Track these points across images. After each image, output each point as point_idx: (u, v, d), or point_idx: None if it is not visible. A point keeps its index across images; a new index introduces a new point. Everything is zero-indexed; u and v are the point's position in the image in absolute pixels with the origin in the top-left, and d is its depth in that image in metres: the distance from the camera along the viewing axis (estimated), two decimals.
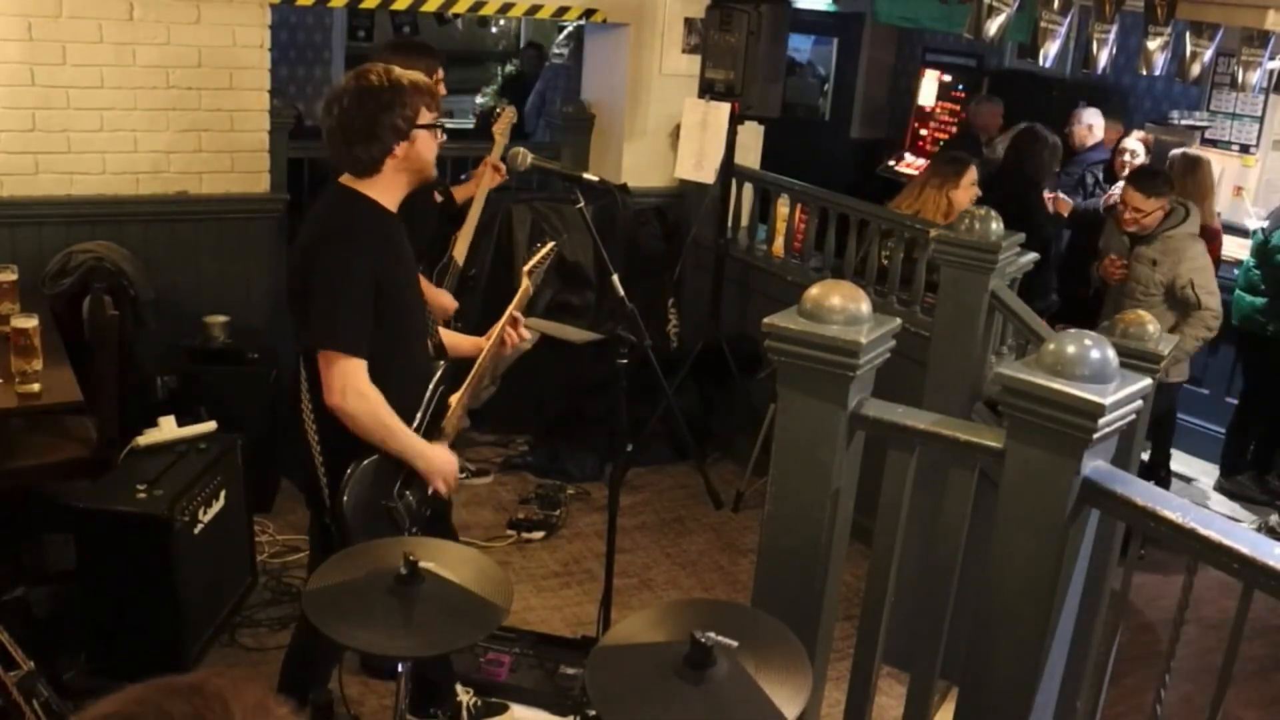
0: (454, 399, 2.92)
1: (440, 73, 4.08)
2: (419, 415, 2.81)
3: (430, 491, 2.86)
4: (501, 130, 4.61)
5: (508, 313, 3.01)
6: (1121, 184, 5.78)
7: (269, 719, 0.95)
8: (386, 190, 2.71)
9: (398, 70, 2.70)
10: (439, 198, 4.39)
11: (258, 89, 4.86)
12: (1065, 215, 6.04)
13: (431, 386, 2.85)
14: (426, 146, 2.71)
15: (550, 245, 3.20)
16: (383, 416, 2.65)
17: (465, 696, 3.42)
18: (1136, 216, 4.75)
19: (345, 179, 2.73)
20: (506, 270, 5.56)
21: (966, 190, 4.79)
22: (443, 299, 4.12)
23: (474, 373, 2.96)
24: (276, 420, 4.82)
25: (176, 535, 3.41)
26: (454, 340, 3.07)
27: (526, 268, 3.11)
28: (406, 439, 2.72)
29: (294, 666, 3.14)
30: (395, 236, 2.76)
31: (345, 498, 2.66)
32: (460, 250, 4.45)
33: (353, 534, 2.65)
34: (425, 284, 4.22)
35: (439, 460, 2.80)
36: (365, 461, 2.69)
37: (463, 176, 4.91)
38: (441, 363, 2.92)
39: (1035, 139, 5.90)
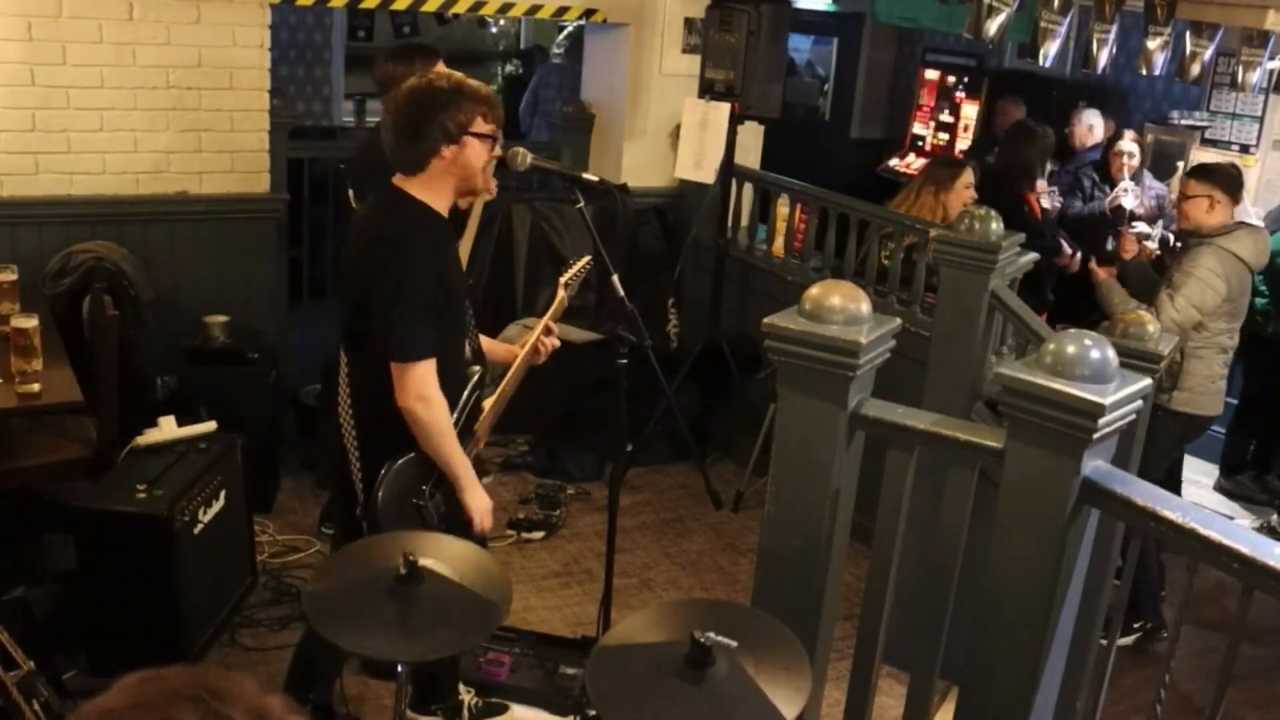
0: (487, 403, 2.98)
1: (441, 66, 4.10)
2: (456, 416, 2.84)
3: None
4: (568, 283, 4.66)
5: (542, 322, 3.09)
6: (1123, 185, 5.79)
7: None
8: (434, 193, 2.74)
9: (461, 77, 2.74)
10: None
11: (258, 89, 4.86)
12: (1054, 213, 6.02)
13: (468, 390, 2.89)
14: (477, 155, 2.73)
15: (587, 259, 3.26)
16: (444, 423, 2.71)
17: (467, 696, 3.42)
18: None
19: (397, 180, 2.76)
20: (507, 270, 5.57)
21: (960, 194, 4.79)
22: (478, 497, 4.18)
23: (507, 379, 3.03)
24: (277, 420, 4.83)
25: (176, 535, 3.41)
26: (488, 347, 3.12)
27: (564, 279, 3.17)
28: (459, 456, 2.78)
29: (301, 665, 3.15)
30: (446, 239, 2.81)
31: (379, 495, 2.70)
32: (460, 256, 4.45)
33: (383, 530, 2.68)
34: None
35: (481, 494, 2.86)
36: (400, 461, 2.73)
37: None
38: (478, 367, 2.95)
39: (1023, 135, 5.90)
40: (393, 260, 2.66)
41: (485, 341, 3.11)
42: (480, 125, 2.71)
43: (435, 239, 2.73)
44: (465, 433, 2.89)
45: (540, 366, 5.52)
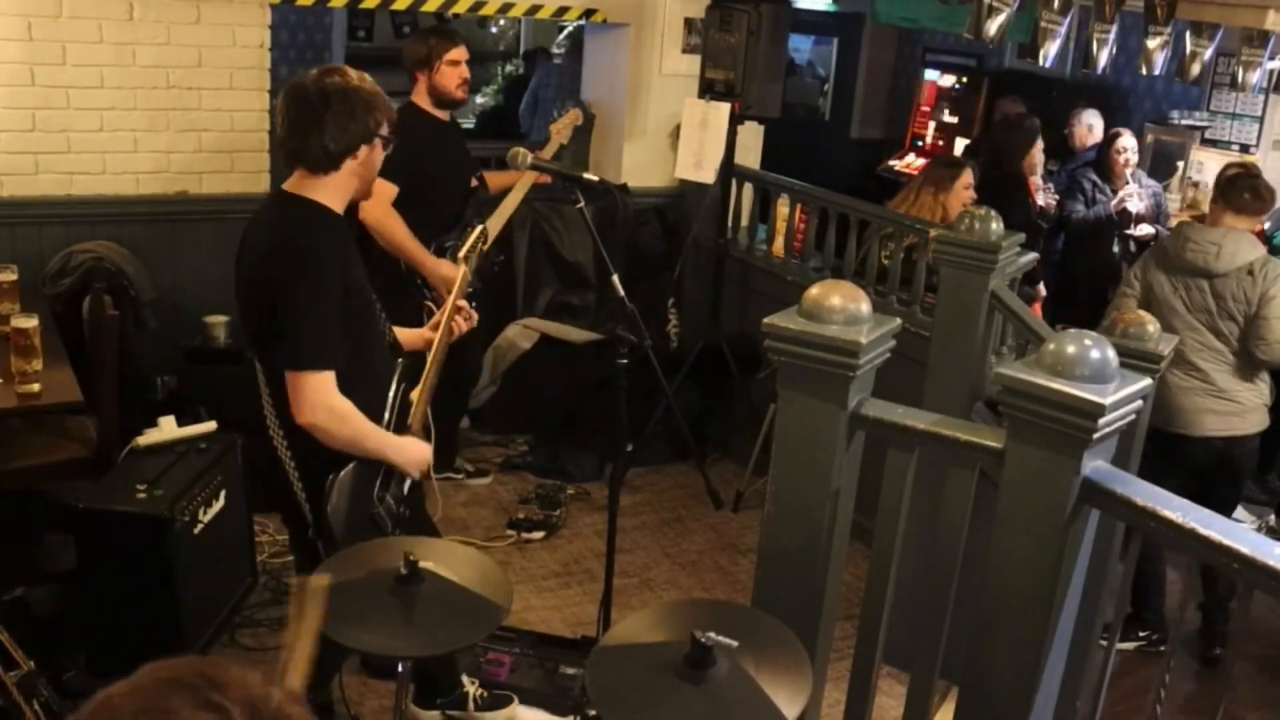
0: (415, 394, 2.90)
1: (455, 53, 4.35)
2: (387, 415, 2.80)
3: (406, 490, 2.86)
4: (560, 129, 4.68)
5: (449, 301, 2.99)
6: (1129, 188, 5.78)
7: (269, 706, 0.94)
8: (335, 194, 2.66)
9: (363, 79, 2.67)
10: (474, 183, 4.49)
11: (258, 89, 4.86)
12: (1050, 210, 6.02)
13: (394, 386, 2.84)
14: (379, 158, 2.70)
15: (479, 229, 3.14)
16: (354, 424, 2.63)
17: (471, 687, 3.42)
18: None
19: (291, 184, 2.67)
20: (506, 270, 5.56)
21: (959, 194, 4.79)
22: (445, 269, 4.18)
23: (429, 366, 2.93)
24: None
25: (176, 535, 3.41)
26: (403, 336, 3.03)
27: (461, 254, 3.07)
28: (378, 438, 2.71)
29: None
30: (347, 240, 2.74)
31: (329, 511, 2.64)
32: (494, 226, 4.53)
33: (340, 546, 2.61)
34: (430, 259, 4.26)
35: (412, 451, 2.79)
36: (342, 472, 2.67)
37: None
38: (400, 360, 2.90)
39: (1008, 128, 5.90)
40: (292, 269, 2.56)
41: (401, 332, 3.03)
42: (385, 128, 2.67)
43: (339, 244, 2.66)
44: (400, 427, 2.83)
45: (540, 367, 5.55)
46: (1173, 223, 6.08)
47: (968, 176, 4.85)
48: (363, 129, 2.61)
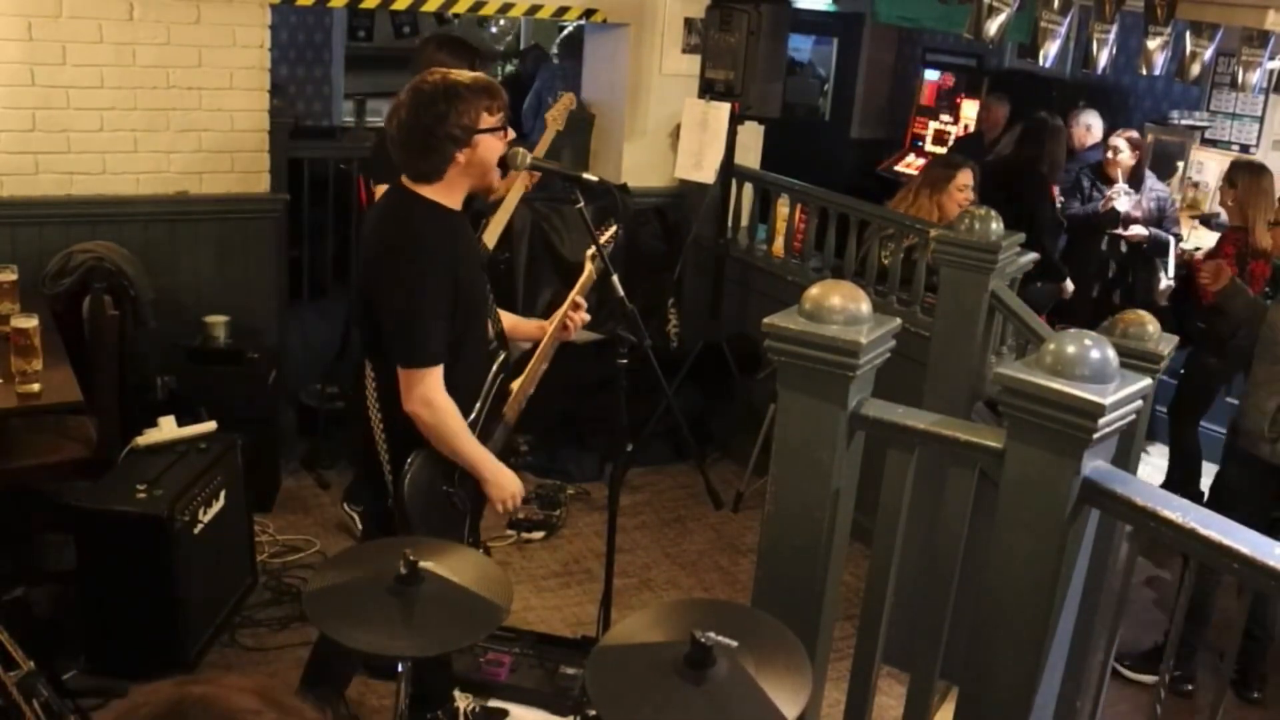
0: (515, 385, 2.96)
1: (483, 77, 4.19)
2: (479, 404, 2.85)
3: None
4: (555, 116, 4.65)
5: (571, 297, 3.05)
6: (1118, 187, 5.77)
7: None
8: (448, 193, 2.71)
9: (455, 75, 2.68)
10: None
11: (258, 89, 4.86)
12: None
13: (492, 374, 2.88)
14: (491, 150, 2.70)
15: (614, 228, 3.16)
16: (453, 425, 2.69)
17: (464, 702, 3.42)
18: None
19: (406, 181, 2.72)
20: (507, 270, 5.56)
21: (955, 196, 4.79)
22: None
23: (535, 358, 2.99)
24: (277, 420, 4.83)
25: (176, 535, 3.41)
26: (515, 324, 3.09)
27: (590, 251, 3.09)
28: (476, 452, 2.77)
29: (318, 664, 3.16)
30: (461, 233, 2.78)
31: (407, 483, 2.70)
32: (491, 236, 4.51)
33: (412, 518, 2.70)
34: None
35: (504, 480, 2.85)
36: (427, 449, 2.73)
37: None
38: (503, 351, 2.94)
39: (1046, 131, 5.88)
40: (404, 267, 2.63)
41: (512, 319, 3.08)
42: (486, 119, 2.66)
43: (449, 238, 2.70)
44: (493, 415, 2.90)
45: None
46: (1183, 229, 6.09)
47: (965, 177, 4.84)
48: (449, 139, 2.62)
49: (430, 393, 2.65)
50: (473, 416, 2.83)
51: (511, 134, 2.79)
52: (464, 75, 2.70)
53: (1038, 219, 5.32)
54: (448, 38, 4.65)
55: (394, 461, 2.77)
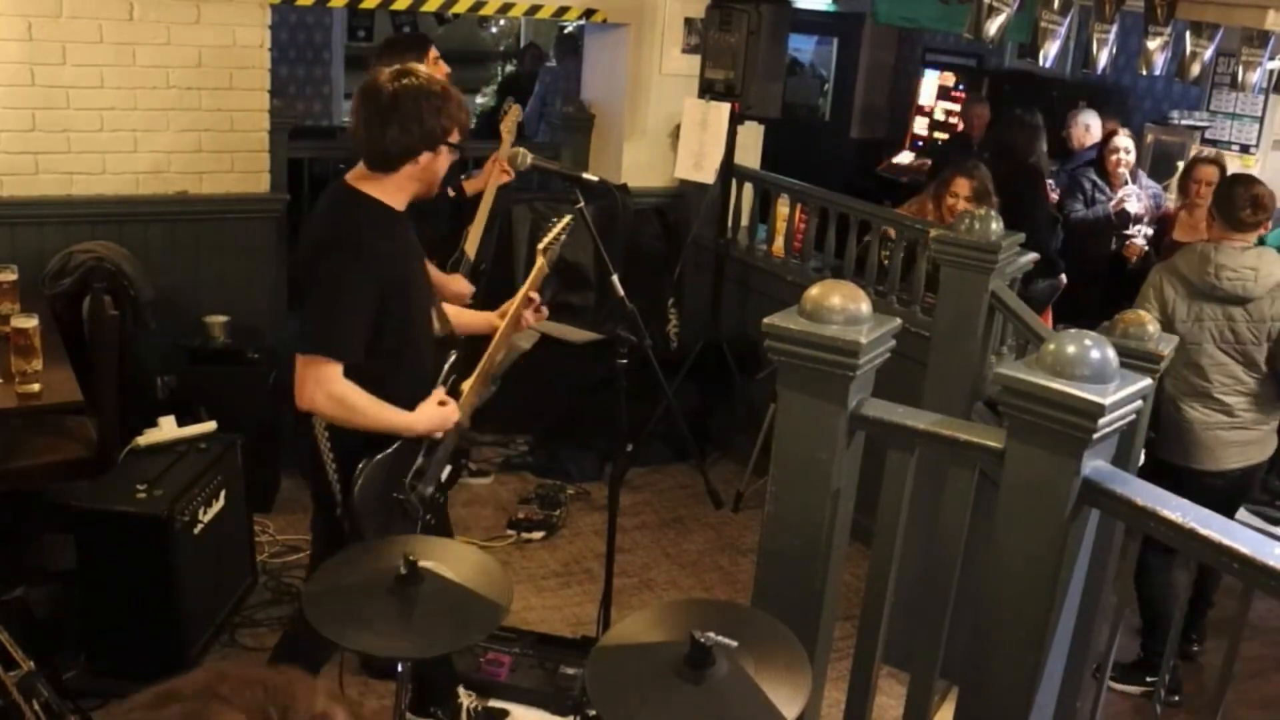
0: (466, 384, 2.92)
1: (434, 52, 4.19)
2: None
3: (445, 478, 2.88)
4: (508, 128, 4.64)
5: (523, 291, 3.00)
6: (1128, 189, 5.77)
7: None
8: (395, 192, 2.69)
9: (444, 82, 2.69)
10: (451, 193, 4.46)
11: (258, 89, 4.86)
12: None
13: (444, 373, 2.85)
14: (442, 165, 2.71)
15: (567, 219, 3.13)
16: (358, 410, 2.62)
17: (466, 700, 3.42)
18: None
19: (352, 177, 2.70)
20: (506, 270, 5.56)
21: (946, 201, 4.82)
22: (457, 285, 4.17)
23: (488, 354, 2.95)
24: (277, 420, 4.83)
25: (176, 535, 3.41)
26: (467, 318, 3.06)
27: (541, 245, 3.05)
28: (388, 417, 2.69)
29: (284, 651, 3.11)
30: (402, 235, 2.75)
31: (357, 493, 2.67)
32: (471, 244, 4.49)
33: (365, 529, 2.66)
34: (439, 273, 4.26)
35: (426, 419, 2.77)
36: (377, 457, 2.70)
37: (461, 176, 4.93)
38: (453, 352, 2.91)
39: (1021, 126, 5.89)
40: (334, 261, 2.60)
41: (464, 313, 3.04)
42: (455, 136, 2.67)
43: (386, 237, 2.67)
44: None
45: (540, 367, 5.52)
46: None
47: (957, 185, 4.80)
48: (425, 136, 2.62)
49: (330, 386, 2.58)
50: None
51: (455, 156, 2.76)
52: (452, 87, 2.71)
53: (1035, 214, 5.32)
54: (386, 41, 4.66)
55: (342, 472, 2.72)
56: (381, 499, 2.72)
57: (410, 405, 2.72)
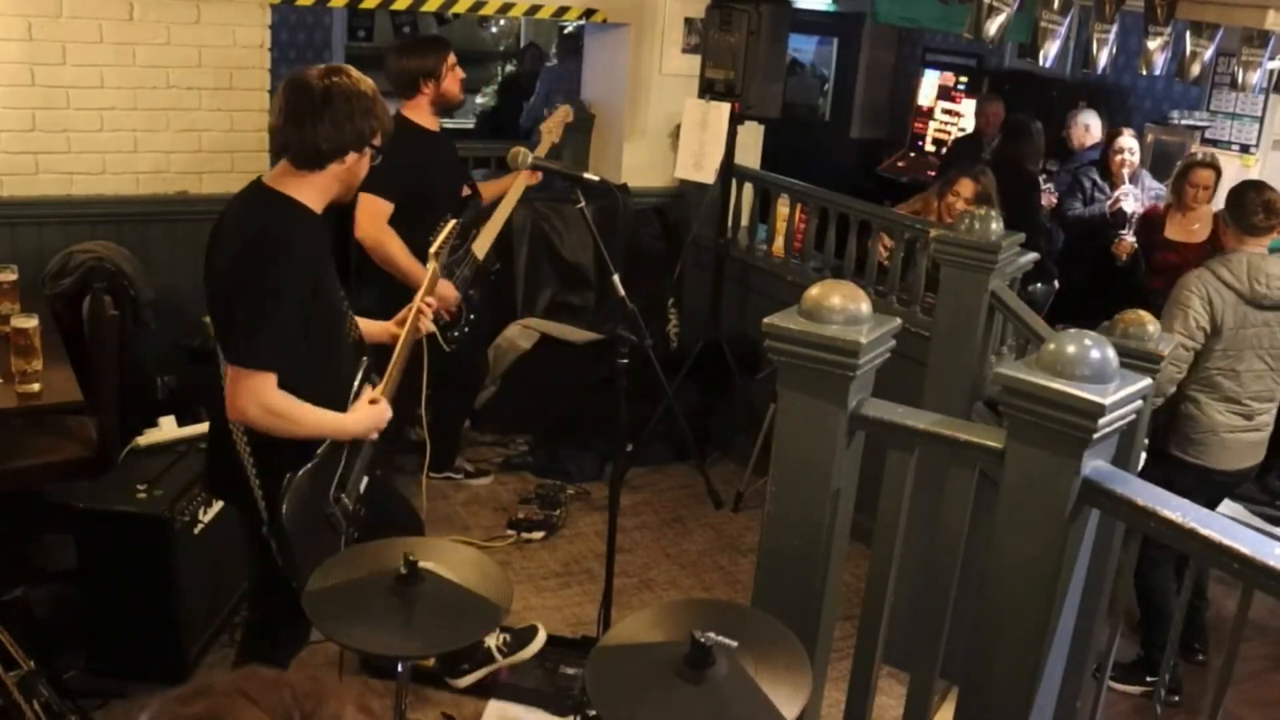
0: (377, 392, 2.83)
1: (452, 57, 4.23)
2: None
3: (364, 488, 2.82)
4: (551, 129, 4.65)
5: (418, 298, 2.94)
6: (1124, 188, 5.78)
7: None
8: (316, 193, 2.64)
9: (371, 85, 2.64)
10: (467, 191, 4.46)
11: (258, 89, 4.86)
12: (1049, 209, 6.05)
13: (357, 382, 2.79)
14: (361, 169, 2.67)
15: (452, 224, 3.09)
16: (291, 417, 2.57)
17: (492, 639, 3.43)
18: None
19: (271, 177, 2.65)
20: (506, 270, 5.57)
21: (947, 200, 4.87)
22: (442, 289, 4.16)
23: (393, 363, 2.88)
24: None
25: (176, 535, 3.41)
26: (367, 328, 2.97)
27: (432, 249, 3.01)
28: (323, 421, 2.64)
29: (252, 659, 3.06)
30: (320, 238, 2.68)
31: (284, 509, 2.58)
32: (481, 245, 4.49)
33: (294, 544, 2.59)
34: (420, 271, 4.20)
35: (360, 421, 2.72)
36: (300, 472, 2.62)
37: (481, 175, 4.93)
38: (364, 359, 2.84)
39: (1023, 133, 5.92)
40: (265, 266, 2.52)
41: (366, 324, 2.97)
42: (376, 140, 2.64)
43: (312, 243, 2.62)
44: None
45: (540, 367, 5.54)
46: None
47: (961, 187, 4.84)
48: (356, 135, 2.58)
49: (265, 397, 2.52)
50: None
51: (376, 159, 2.71)
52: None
53: (1028, 221, 5.33)
54: (406, 43, 4.68)
55: (265, 486, 2.64)
56: (306, 514, 2.64)
57: (330, 409, 2.66)
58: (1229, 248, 3.88)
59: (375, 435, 2.81)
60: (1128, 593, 3.75)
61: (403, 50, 4.28)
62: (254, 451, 2.65)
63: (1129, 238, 5.51)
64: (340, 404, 2.71)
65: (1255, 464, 4.01)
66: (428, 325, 2.99)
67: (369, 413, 2.75)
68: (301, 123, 2.56)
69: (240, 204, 2.73)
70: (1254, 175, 6.42)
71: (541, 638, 3.59)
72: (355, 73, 2.64)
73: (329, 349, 2.70)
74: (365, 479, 2.84)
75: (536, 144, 4.89)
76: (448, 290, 4.13)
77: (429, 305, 2.96)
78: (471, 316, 4.39)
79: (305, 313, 2.55)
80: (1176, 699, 3.93)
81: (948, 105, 8.23)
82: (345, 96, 2.57)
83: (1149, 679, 3.97)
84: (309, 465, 2.63)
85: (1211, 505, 3.82)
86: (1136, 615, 4.12)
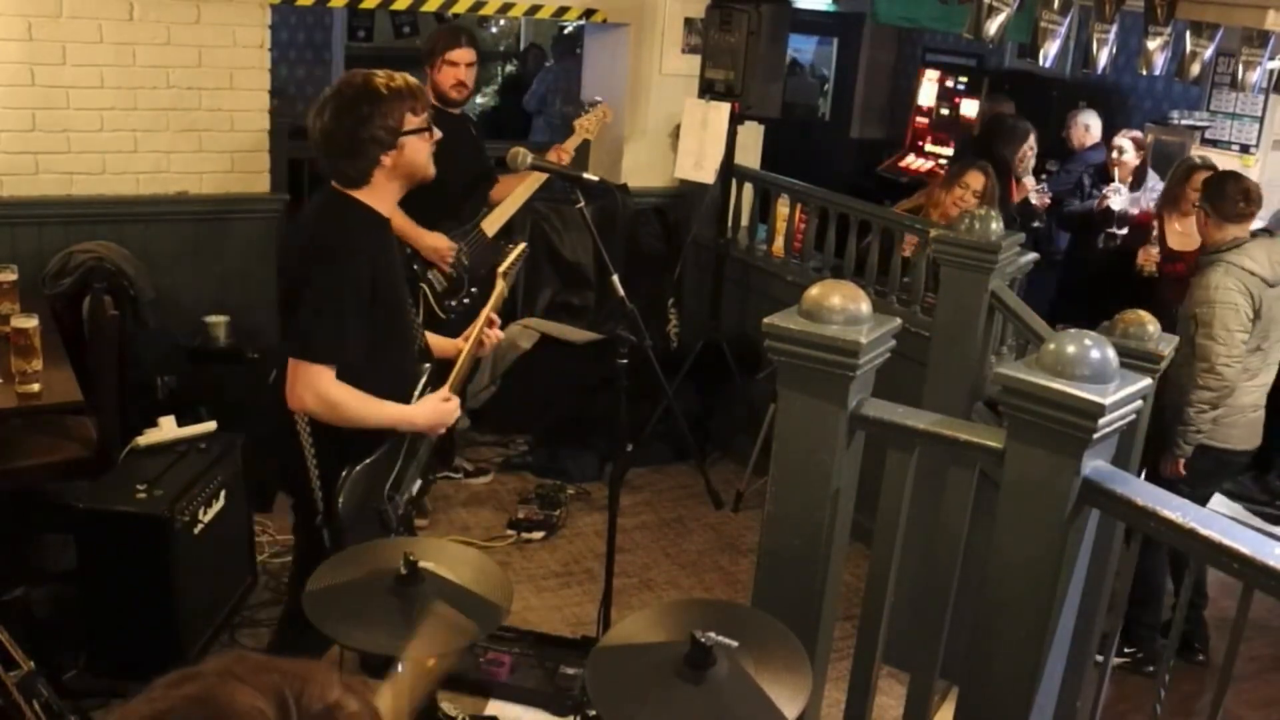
0: (446, 389, 2.90)
1: (458, 53, 4.34)
2: None
3: (416, 491, 2.89)
4: (588, 127, 4.69)
5: (484, 314, 2.99)
6: (1114, 185, 5.78)
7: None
8: (380, 197, 2.69)
9: (378, 77, 2.64)
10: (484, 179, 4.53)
11: (258, 89, 4.86)
12: (1041, 209, 6.04)
13: (419, 390, 2.85)
14: (417, 150, 2.67)
15: (522, 246, 3.15)
16: (352, 409, 2.64)
17: (453, 710, 3.41)
18: None
19: (336, 185, 2.70)
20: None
21: (955, 193, 4.88)
22: (427, 239, 4.21)
23: (455, 373, 2.95)
24: (277, 420, 4.83)
25: (176, 535, 3.41)
26: (434, 343, 3.06)
27: (501, 269, 3.07)
28: (386, 413, 2.71)
29: (284, 648, 3.12)
30: (387, 241, 2.76)
31: (340, 502, 2.66)
32: (491, 225, 4.53)
33: (346, 536, 2.65)
34: (417, 228, 4.23)
35: (425, 415, 2.79)
36: (359, 467, 2.70)
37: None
38: (427, 365, 2.91)
39: (1003, 127, 5.93)
40: (322, 267, 2.60)
41: (433, 339, 3.05)
42: (411, 120, 2.63)
43: (377, 245, 2.68)
44: (419, 431, 2.86)
45: (540, 367, 5.54)
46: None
47: (972, 179, 4.86)
48: (373, 145, 2.60)
49: (319, 386, 2.59)
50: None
51: (438, 134, 2.74)
52: (384, 77, 2.65)
53: (1004, 208, 5.34)
54: (442, 26, 4.71)
55: (323, 477, 2.71)
56: (361, 508, 2.71)
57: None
58: (1216, 238, 4.02)
59: (440, 431, 2.87)
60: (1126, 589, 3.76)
61: (437, 46, 4.37)
62: (315, 443, 2.71)
63: (1153, 249, 5.46)
64: (403, 400, 2.77)
65: (1258, 444, 4.14)
66: (494, 340, 3.05)
67: (437, 407, 2.81)
68: (321, 155, 2.65)
69: (312, 207, 2.81)
70: (1254, 175, 6.43)
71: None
72: (355, 78, 2.64)
73: (390, 351, 2.75)
74: (419, 482, 2.90)
75: (540, 137, 4.92)
76: (440, 242, 4.22)
77: (493, 321, 3.01)
78: (473, 290, 4.41)
79: (365, 312, 2.62)
80: (1150, 668, 4.01)
81: (948, 105, 8.22)
82: (337, 116, 2.59)
83: (1127, 649, 4.07)
84: (367, 461, 2.71)
85: (1218, 489, 4.01)
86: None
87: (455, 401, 2.86)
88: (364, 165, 2.62)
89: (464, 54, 4.38)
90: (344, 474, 2.68)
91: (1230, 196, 3.99)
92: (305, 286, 2.62)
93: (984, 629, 2.18)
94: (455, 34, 4.48)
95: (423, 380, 2.87)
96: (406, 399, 2.80)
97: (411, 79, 2.71)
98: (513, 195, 4.62)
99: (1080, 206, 6.02)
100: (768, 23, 5.16)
